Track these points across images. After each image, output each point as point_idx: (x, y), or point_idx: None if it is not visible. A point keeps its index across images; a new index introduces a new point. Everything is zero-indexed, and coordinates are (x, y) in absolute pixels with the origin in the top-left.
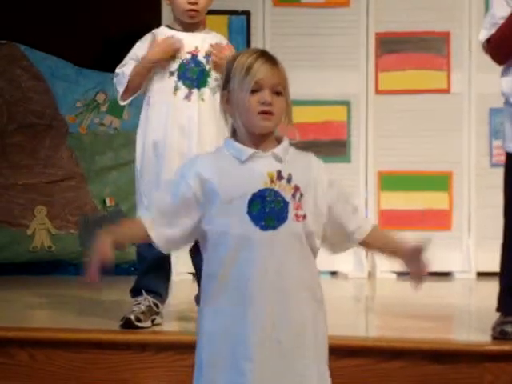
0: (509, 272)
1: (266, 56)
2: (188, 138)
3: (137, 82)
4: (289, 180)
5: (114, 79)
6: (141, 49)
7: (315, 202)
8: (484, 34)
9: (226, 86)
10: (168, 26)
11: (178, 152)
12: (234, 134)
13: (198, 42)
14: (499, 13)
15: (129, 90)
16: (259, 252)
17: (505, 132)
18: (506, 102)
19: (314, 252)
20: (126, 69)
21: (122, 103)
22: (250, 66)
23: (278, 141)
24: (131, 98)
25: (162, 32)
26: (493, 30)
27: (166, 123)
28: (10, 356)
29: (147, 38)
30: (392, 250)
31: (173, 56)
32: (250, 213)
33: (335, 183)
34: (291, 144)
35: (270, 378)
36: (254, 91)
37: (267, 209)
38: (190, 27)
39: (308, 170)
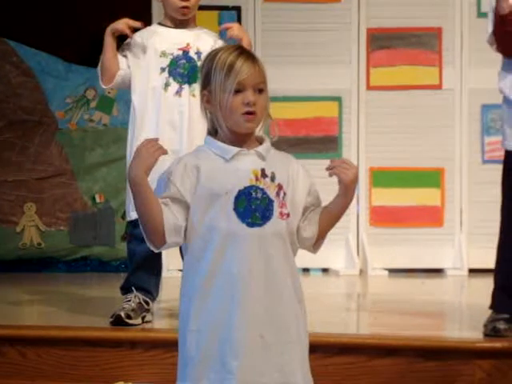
0: (504, 270)
1: (245, 53)
2: (179, 134)
3: (106, 61)
4: (272, 178)
5: None
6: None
7: (294, 200)
8: (490, 27)
9: (205, 85)
10: (160, 23)
11: (170, 148)
12: (214, 132)
13: (190, 39)
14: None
15: (103, 71)
16: (246, 249)
17: (504, 130)
18: (505, 100)
19: (294, 251)
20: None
21: (103, 86)
22: (231, 65)
23: (258, 140)
24: (113, 83)
25: (155, 29)
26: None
27: (158, 119)
28: (1, 354)
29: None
30: (332, 209)
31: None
32: (236, 209)
33: (314, 188)
34: (276, 144)
35: (257, 373)
36: (236, 91)
37: (253, 206)
38: (181, 24)
39: (287, 169)
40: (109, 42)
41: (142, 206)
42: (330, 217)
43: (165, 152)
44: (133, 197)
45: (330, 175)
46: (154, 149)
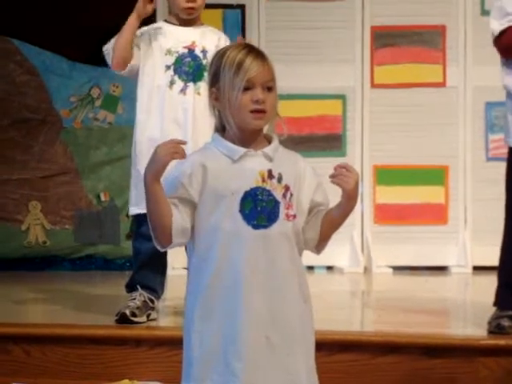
0: (507, 267)
1: (254, 51)
2: (183, 132)
3: (122, 42)
4: (279, 179)
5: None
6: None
7: (300, 200)
8: (496, 25)
9: (214, 83)
10: (165, 21)
11: None
12: (222, 130)
13: (196, 37)
14: (509, 8)
15: (117, 52)
16: (250, 250)
17: (508, 126)
18: (509, 96)
19: (300, 250)
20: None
21: (112, 68)
22: (241, 62)
23: (267, 139)
24: (125, 71)
25: (161, 27)
26: (504, 23)
27: (163, 117)
28: (6, 352)
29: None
30: (335, 215)
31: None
32: (242, 211)
33: (321, 188)
34: (281, 142)
35: (261, 375)
36: (245, 89)
37: (259, 207)
38: (186, 22)
39: (294, 169)
40: (130, 23)
41: (152, 207)
42: (332, 221)
43: (182, 157)
44: (145, 196)
45: (333, 183)
46: (171, 150)
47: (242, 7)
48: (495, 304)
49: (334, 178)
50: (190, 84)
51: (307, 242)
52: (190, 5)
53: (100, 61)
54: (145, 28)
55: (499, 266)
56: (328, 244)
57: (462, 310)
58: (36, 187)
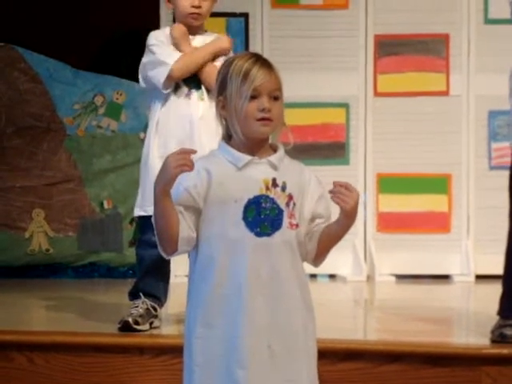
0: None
1: (261, 60)
2: (190, 137)
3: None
4: (283, 188)
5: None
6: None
7: (302, 210)
8: None
9: (221, 92)
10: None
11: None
12: (228, 138)
13: (199, 45)
14: None
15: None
16: (253, 258)
17: None
18: None
19: (303, 259)
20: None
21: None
22: (247, 71)
23: (273, 148)
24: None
25: (168, 34)
26: None
27: (170, 122)
28: (9, 359)
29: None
30: (334, 229)
31: None
32: (245, 218)
33: (323, 199)
34: (286, 151)
35: (263, 383)
36: (252, 97)
37: (262, 215)
38: (191, 30)
39: (298, 178)
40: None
41: (161, 218)
42: (331, 235)
43: (190, 169)
44: (153, 206)
45: (332, 200)
46: (180, 162)
47: (245, 15)
48: (498, 313)
49: (334, 195)
50: (193, 90)
51: (305, 254)
52: (196, 10)
53: (104, 68)
54: (155, 35)
55: (504, 274)
56: (329, 254)
57: (465, 318)
58: (39, 195)
